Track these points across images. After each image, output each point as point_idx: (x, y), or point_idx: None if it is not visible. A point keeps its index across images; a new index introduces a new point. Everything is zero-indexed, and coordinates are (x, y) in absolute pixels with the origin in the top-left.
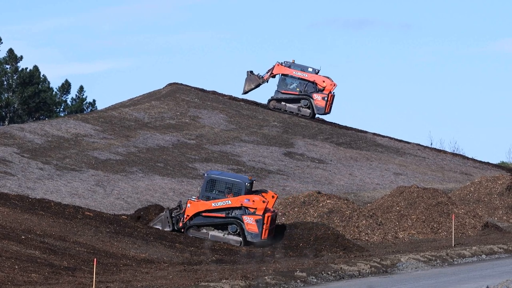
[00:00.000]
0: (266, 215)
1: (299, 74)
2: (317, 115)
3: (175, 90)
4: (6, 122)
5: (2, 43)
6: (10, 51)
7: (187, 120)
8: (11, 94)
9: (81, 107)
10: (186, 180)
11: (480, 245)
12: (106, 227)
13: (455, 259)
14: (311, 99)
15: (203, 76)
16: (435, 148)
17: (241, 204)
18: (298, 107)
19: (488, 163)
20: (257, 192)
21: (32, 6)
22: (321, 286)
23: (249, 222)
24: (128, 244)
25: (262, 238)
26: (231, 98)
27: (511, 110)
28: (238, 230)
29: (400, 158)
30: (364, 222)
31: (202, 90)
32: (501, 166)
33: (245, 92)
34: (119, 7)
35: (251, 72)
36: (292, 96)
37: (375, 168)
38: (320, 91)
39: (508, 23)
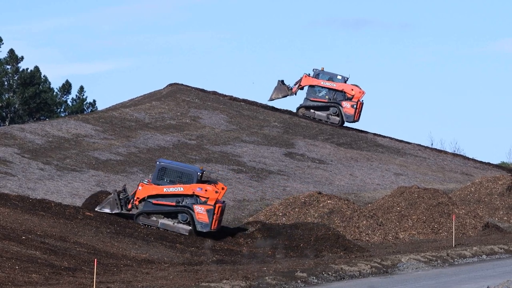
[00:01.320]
0: (217, 205)
1: (327, 84)
2: (345, 123)
3: (176, 91)
4: (7, 123)
5: (3, 43)
6: (11, 51)
7: (187, 121)
8: (11, 94)
9: (81, 108)
10: None
11: (480, 245)
12: (106, 227)
13: (455, 259)
14: (340, 107)
15: (204, 76)
16: (435, 149)
17: (193, 192)
18: (327, 114)
19: (488, 164)
20: (208, 183)
21: (33, 6)
22: (322, 286)
23: (200, 211)
24: (128, 245)
25: (212, 228)
26: (232, 98)
27: (511, 110)
28: (188, 219)
29: (401, 159)
30: (364, 222)
31: (203, 90)
32: (502, 167)
33: (271, 99)
34: (119, 7)
35: (282, 81)
36: (321, 103)
37: (376, 169)
38: (349, 99)
39: (508, 23)
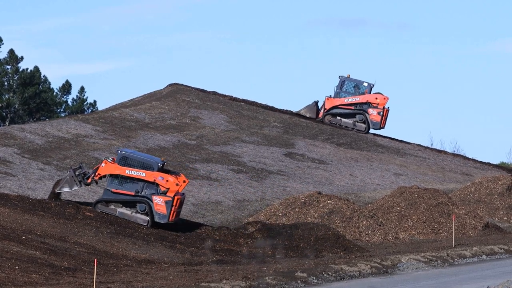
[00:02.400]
0: (176, 197)
1: (350, 100)
2: (371, 130)
3: (176, 91)
4: (7, 123)
5: (3, 43)
6: (11, 51)
7: (187, 121)
8: (11, 94)
9: (81, 108)
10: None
11: (480, 245)
12: (106, 227)
13: (455, 259)
14: (367, 114)
15: (204, 76)
16: (435, 149)
17: (154, 180)
18: (353, 122)
19: (488, 164)
20: (170, 174)
21: (33, 6)
22: (322, 286)
23: (159, 202)
24: (128, 245)
25: (170, 219)
26: (232, 98)
27: (511, 110)
28: (147, 210)
29: (401, 159)
30: (364, 222)
31: (203, 90)
32: (502, 167)
33: (299, 113)
34: (119, 7)
35: (316, 103)
36: (347, 111)
37: (376, 169)
38: (375, 106)
39: (508, 23)
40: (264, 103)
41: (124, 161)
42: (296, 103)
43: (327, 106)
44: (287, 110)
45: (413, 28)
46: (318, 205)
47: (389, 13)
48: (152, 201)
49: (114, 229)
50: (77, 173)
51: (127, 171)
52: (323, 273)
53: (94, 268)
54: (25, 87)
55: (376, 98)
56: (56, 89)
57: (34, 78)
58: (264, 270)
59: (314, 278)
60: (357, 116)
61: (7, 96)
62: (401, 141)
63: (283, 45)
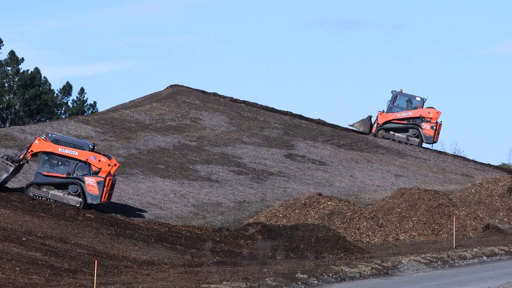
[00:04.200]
0: (108, 178)
1: (403, 114)
2: (424, 144)
3: (176, 92)
4: (7, 124)
5: (3, 45)
6: (11, 53)
7: (188, 122)
8: (12, 96)
9: (82, 109)
10: (187, 182)
11: (481, 246)
12: (107, 229)
13: (456, 260)
14: (420, 128)
15: (204, 77)
16: (436, 150)
17: (87, 159)
18: (406, 136)
19: (489, 165)
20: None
21: (33, 8)
22: (322, 287)
23: (91, 183)
24: (129, 246)
25: (102, 200)
26: (232, 100)
27: (511, 111)
28: (79, 191)
29: (401, 160)
30: (365, 223)
31: (203, 91)
32: (502, 168)
33: (352, 126)
34: (119, 8)
35: (370, 118)
36: (400, 125)
37: (376, 170)
38: (428, 121)
39: (508, 25)
40: (264, 104)
41: (56, 143)
42: (296, 104)
43: (380, 121)
44: (287, 111)
45: (410, 29)
46: (319, 206)
47: (386, 14)
48: (84, 182)
49: (115, 231)
50: (7, 158)
51: (60, 149)
52: (324, 274)
53: (94, 270)
54: (25, 89)
55: (429, 113)
56: (57, 90)
57: (34, 79)
58: (264, 271)
59: (315, 279)
60: (410, 130)
61: (7, 98)
62: (401, 142)
63: (283, 46)
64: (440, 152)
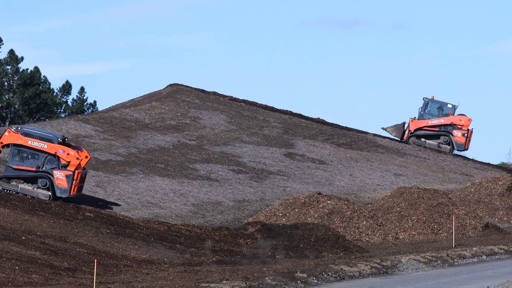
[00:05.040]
0: (77, 171)
1: (435, 122)
2: (455, 151)
3: (176, 91)
4: (7, 123)
5: (3, 44)
6: (11, 52)
7: (187, 121)
8: (12, 95)
9: (81, 108)
10: (187, 181)
11: (480, 246)
12: (106, 228)
13: (455, 260)
14: (451, 136)
15: (204, 77)
16: (435, 149)
17: (56, 152)
18: (438, 143)
19: (488, 164)
20: (73, 149)
21: (33, 7)
22: (322, 287)
23: (59, 177)
24: (128, 245)
25: (71, 194)
26: (232, 99)
27: (511, 111)
28: (48, 185)
29: (401, 159)
30: (364, 223)
31: (203, 91)
32: (502, 167)
33: (385, 129)
34: (119, 8)
35: (404, 124)
36: (431, 132)
37: (376, 169)
38: (459, 128)
39: (507, 25)
40: (264, 103)
41: (26, 136)
42: (296, 104)
43: (412, 128)
44: (287, 110)
45: (408, 28)
46: (318, 205)
47: (384, 13)
48: (53, 176)
49: (114, 230)
50: None
51: (29, 142)
52: (323, 273)
53: (94, 269)
54: (25, 88)
55: (461, 120)
56: (56, 89)
57: (34, 78)
58: (264, 270)
59: (314, 278)
60: (442, 137)
61: (7, 97)
62: (401, 141)
63: (283, 46)
64: (439, 151)
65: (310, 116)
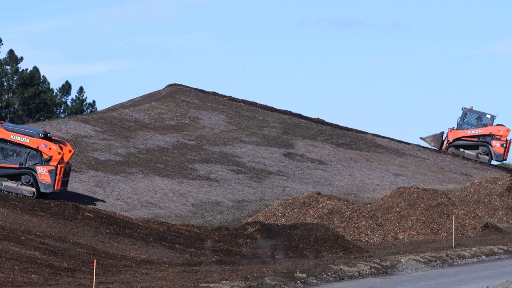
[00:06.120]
0: (60, 166)
1: (473, 132)
2: (494, 162)
3: (175, 91)
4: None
5: (2, 44)
6: (10, 52)
7: (187, 121)
8: (11, 95)
9: (81, 108)
10: (186, 181)
11: (480, 246)
12: (106, 228)
13: (455, 260)
14: (490, 146)
15: (203, 77)
16: (435, 149)
17: (38, 147)
18: (476, 153)
19: (488, 164)
20: (55, 143)
21: (32, 7)
22: (321, 287)
23: (42, 172)
24: (128, 245)
25: (55, 189)
26: (231, 99)
27: (511, 111)
28: (31, 181)
29: (400, 159)
30: (364, 223)
31: (202, 91)
32: (501, 167)
33: (423, 139)
34: (119, 8)
35: (442, 134)
36: (470, 142)
37: (375, 169)
38: (498, 138)
39: (506, 24)
40: (263, 103)
41: (9, 131)
42: (295, 103)
43: (450, 138)
44: (286, 110)
45: (407, 28)
46: (318, 205)
47: (383, 13)
48: (36, 172)
49: (114, 230)
50: None
51: (11, 136)
52: (323, 273)
53: (93, 269)
54: (24, 88)
55: (499, 130)
56: (56, 89)
57: (33, 78)
58: (263, 270)
59: (314, 278)
60: (480, 148)
61: (6, 97)
62: (400, 141)
63: (283, 45)
64: (439, 151)
65: (309, 116)
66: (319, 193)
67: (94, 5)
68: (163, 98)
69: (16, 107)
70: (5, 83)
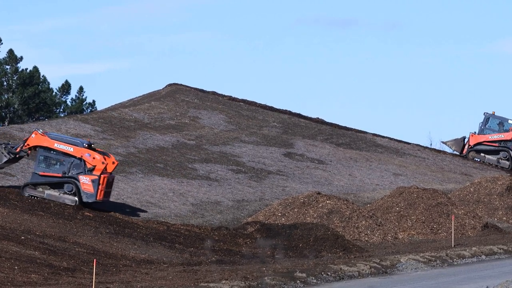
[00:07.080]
0: (103, 176)
1: (495, 137)
2: None
3: (175, 91)
4: (6, 123)
5: (2, 43)
6: (10, 51)
7: (186, 121)
8: (11, 94)
9: (81, 108)
10: (186, 181)
11: (479, 245)
12: (105, 227)
13: (454, 259)
14: (511, 151)
15: (203, 76)
16: (434, 149)
17: (82, 155)
18: (497, 159)
19: (487, 164)
20: (100, 153)
21: (32, 7)
22: (321, 286)
23: (85, 182)
24: (127, 245)
25: (98, 198)
26: (231, 98)
27: (510, 111)
28: (74, 190)
29: (400, 159)
30: (363, 222)
31: (202, 90)
32: (501, 167)
33: (445, 143)
34: (118, 7)
35: (463, 139)
36: (491, 147)
37: (375, 169)
38: None
39: (506, 24)
40: (263, 103)
41: (53, 139)
42: (295, 103)
43: (472, 143)
44: (286, 110)
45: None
46: (317, 205)
47: (381, 12)
48: (79, 181)
49: (113, 229)
50: (4, 147)
51: (55, 144)
52: (322, 273)
53: (93, 268)
54: (24, 87)
55: None
56: (56, 89)
57: (33, 78)
58: (263, 270)
59: (313, 278)
60: (501, 153)
61: (6, 96)
62: (400, 141)
63: (282, 45)
64: (438, 151)
65: (309, 115)
66: (319, 193)
67: (94, 5)
68: (163, 98)
69: (16, 106)
70: (5, 83)
